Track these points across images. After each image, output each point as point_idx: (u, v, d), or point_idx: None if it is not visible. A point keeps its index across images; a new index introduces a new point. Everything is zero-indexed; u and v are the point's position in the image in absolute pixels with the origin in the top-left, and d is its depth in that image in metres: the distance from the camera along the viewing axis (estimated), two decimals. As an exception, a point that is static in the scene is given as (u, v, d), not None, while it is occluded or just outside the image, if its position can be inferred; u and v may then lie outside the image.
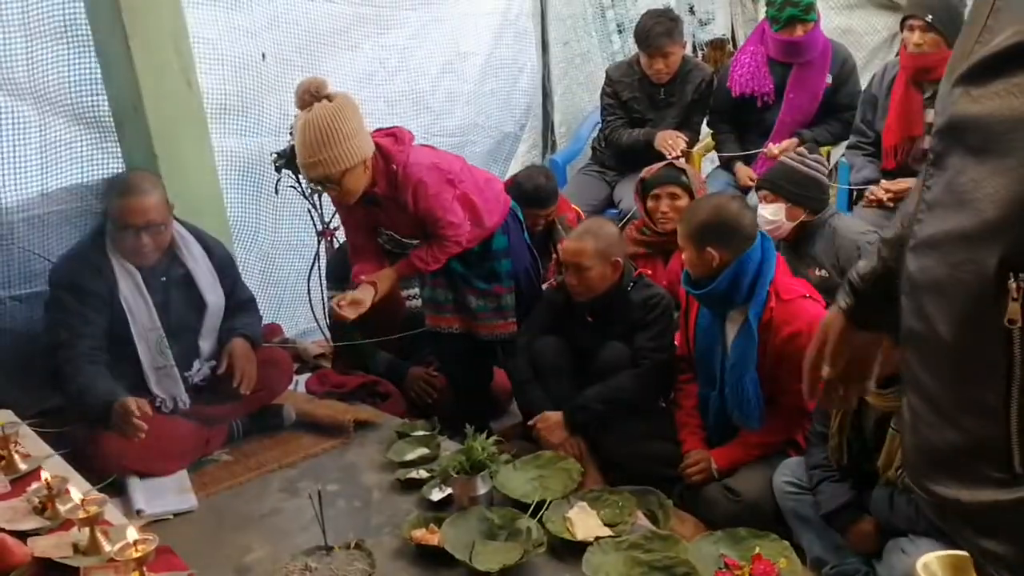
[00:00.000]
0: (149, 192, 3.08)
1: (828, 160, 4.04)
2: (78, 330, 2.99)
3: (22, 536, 1.86)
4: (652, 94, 4.56)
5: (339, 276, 3.73)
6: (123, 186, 3.12)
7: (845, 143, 4.30)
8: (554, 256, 3.88)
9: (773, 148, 4.22)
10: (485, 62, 5.07)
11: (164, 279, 3.18)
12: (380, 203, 3.18)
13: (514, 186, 3.85)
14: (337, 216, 3.68)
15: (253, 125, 4.06)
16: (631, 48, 4.92)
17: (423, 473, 2.95)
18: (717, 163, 4.76)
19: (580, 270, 3.09)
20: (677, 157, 4.33)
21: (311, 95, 2.93)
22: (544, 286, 3.73)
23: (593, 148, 4.96)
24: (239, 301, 3.42)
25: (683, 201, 3.50)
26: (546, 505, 2.62)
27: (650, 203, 3.61)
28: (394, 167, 3.06)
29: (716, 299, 2.81)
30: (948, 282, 0.94)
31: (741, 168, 4.42)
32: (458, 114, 5.01)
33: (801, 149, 3.61)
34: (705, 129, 4.77)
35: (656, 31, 4.34)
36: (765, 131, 4.44)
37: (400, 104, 4.71)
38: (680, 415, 3.03)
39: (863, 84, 4.35)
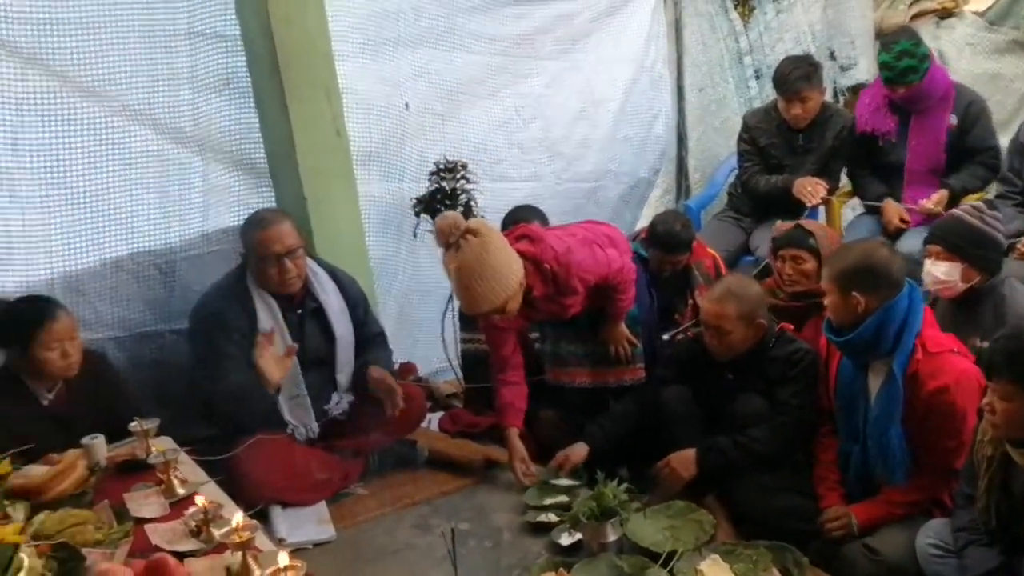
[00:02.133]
0: (282, 221, 3.29)
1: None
2: (226, 368, 3.18)
3: (179, 556, 1.98)
4: (790, 140, 4.49)
5: (471, 319, 3.81)
6: (260, 220, 3.31)
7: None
8: (690, 302, 3.85)
9: (926, 203, 4.03)
10: (619, 108, 5.12)
11: (299, 312, 3.35)
12: (535, 305, 3.19)
13: (650, 227, 3.86)
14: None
15: (395, 171, 4.22)
16: (769, 94, 4.86)
17: (552, 517, 2.96)
18: (859, 211, 4.62)
19: (721, 333, 3.02)
20: (817, 205, 4.24)
21: (453, 233, 2.87)
22: (670, 335, 3.72)
23: (729, 194, 4.91)
24: (370, 335, 3.56)
25: (809, 265, 3.33)
26: (678, 556, 2.59)
27: (778, 263, 3.51)
28: (547, 267, 3.08)
29: (859, 348, 2.72)
30: None
31: (891, 206, 4.20)
32: (591, 160, 5.06)
33: (979, 204, 3.33)
34: (844, 178, 4.64)
35: (795, 75, 4.28)
36: (888, 174, 4.30)
37: (534, 151, 4.80)
38: (819, 469, 2.92)
39: (1013, 130, 4.15)
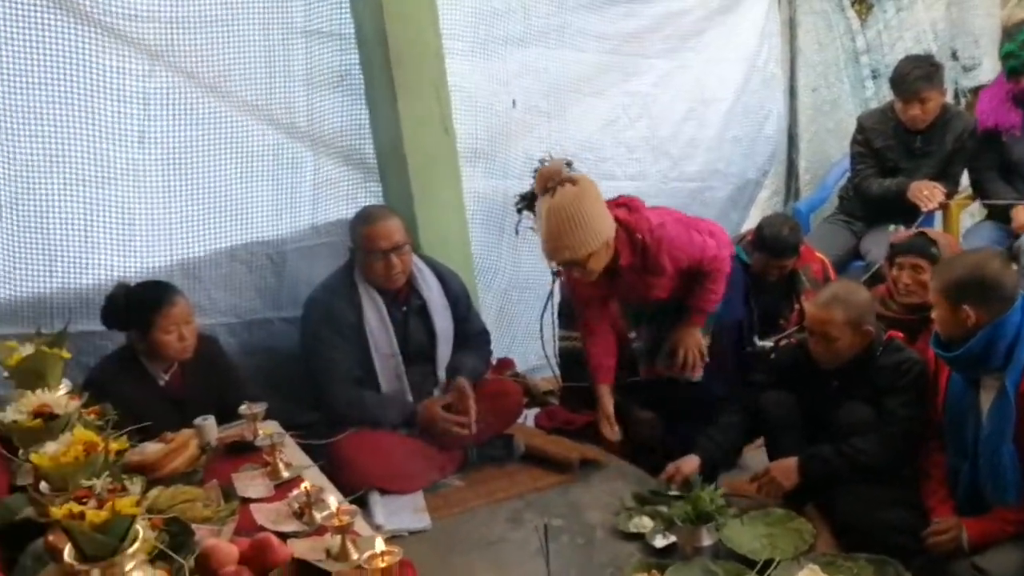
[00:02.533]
0: (389, 217, 3.37)
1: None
2: (335, 360, 3.28)
3: (282, 537, 2.06)
4: (907, 142, 4.33)
5: (570, 316, 3.81)
6: (367, 215, 3.41)
7: None
8: (796, 308, 3.76)
9: None
10: (729, 108, 5.04)
11: (404, 308, 3.42)
12: (620, 275, 3.19)
13: (757, 230, 3.79)
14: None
15: (500, 169, 4.26)
16: (885, 95, 4.70)
17: (647, 523, 2.94)
18: (977, 217, 4.42)
19: (827, 339, 2.92)
20: (933, 210, 4.08)
21: (553, 180, 2.96)
22: (773, 340, 3.65)
23: (841, 197, 4.76)
24: (471, 332, 3.61)
25: (928, 275, 3.14)
26: (774, 564, 2.53)
27: (894, 270, 3.38)
28: (639, 236, 3.07)
29: (969, 362, 2.60)
30: None
31: (1022, 211, 4.01)
32: (699, 160, 5.00)
33: None
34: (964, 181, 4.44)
35: (914, 75, 4.13)
36: (1012, 173, 4.10)
37: (640, 149, 4.77)
38: (927, 484, 2.80)
39: None
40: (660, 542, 2.82)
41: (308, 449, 2.93)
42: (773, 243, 3.69)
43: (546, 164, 3.97)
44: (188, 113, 3.39)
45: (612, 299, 3.48)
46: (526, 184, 4.06)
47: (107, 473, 1.46)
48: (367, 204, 3.84)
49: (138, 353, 3.12)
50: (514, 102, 4.22)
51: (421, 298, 3.47)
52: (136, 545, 1.42)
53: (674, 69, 4.79)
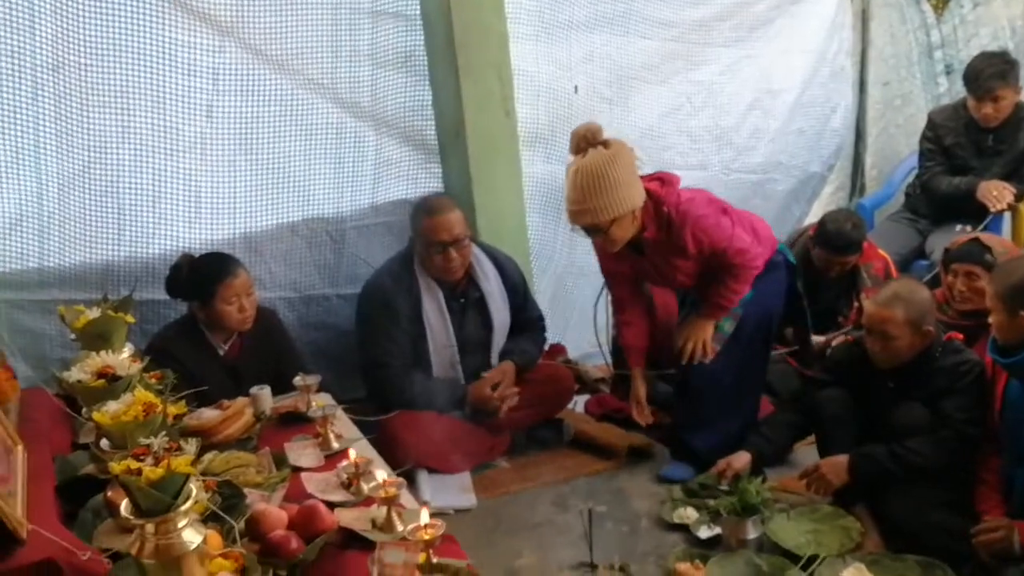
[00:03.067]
0: (452, 209, 3.36)
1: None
2: (390, 348, 3.32)
3: (330, 506, 2.10)
4: (979, 140, 4.22)
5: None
6: (429, 206, 3.41)
7: None
8: (855, 305, 3.70)
9: None
10: (796, 100, 4.95)
11: (463, 300, 3.44)
12: (646, 251, 3.10)
13: (819, 224, 3.73)
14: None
15: (559, 154, 4.23)
16: (959, 91, 4.57)
17: (692, 512, 2.93)
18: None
19: (886, 338, 2.84)
20: (1001, 210, 3.98)
21: (587, 141, 2.88)
22: (827, 338, 3.59)
23: (907, 194, 4.65)
24: (527, 319, 3.62)
25: (983, 282, 3.05)
26: (819, 560, 2.52)
27: (949, 277, 3.29)
28: (665, 209, 2.96)
29: (1027, 369, 2.54)
30: None
31: None
32: (762, 151, 4.93)
33: None
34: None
35: (988, 72, 4.02)
36: None
37: (703, 139, 4.72)
38: (981, 489, 2.73)
39: None
40: (705, 533, 2.82)
41: (359, 423, 2.98)
42: (836, 239, 3.64)
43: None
44: (255, 89, 3.45)
45: (641, 280, 3.37)
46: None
47: (164, 433, 1.50)
48: (427, 185, 3.90)
49: (199, 323, 3.20)
50: (576, 87, 4.20)
51: (479, 290, 3.47)
52: (189, 503, 1.47)
53: (741, 58, 4.72)
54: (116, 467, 1.43)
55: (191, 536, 1.48)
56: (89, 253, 3.35)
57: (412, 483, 3.21)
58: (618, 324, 3.39)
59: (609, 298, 3.85)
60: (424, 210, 3.39)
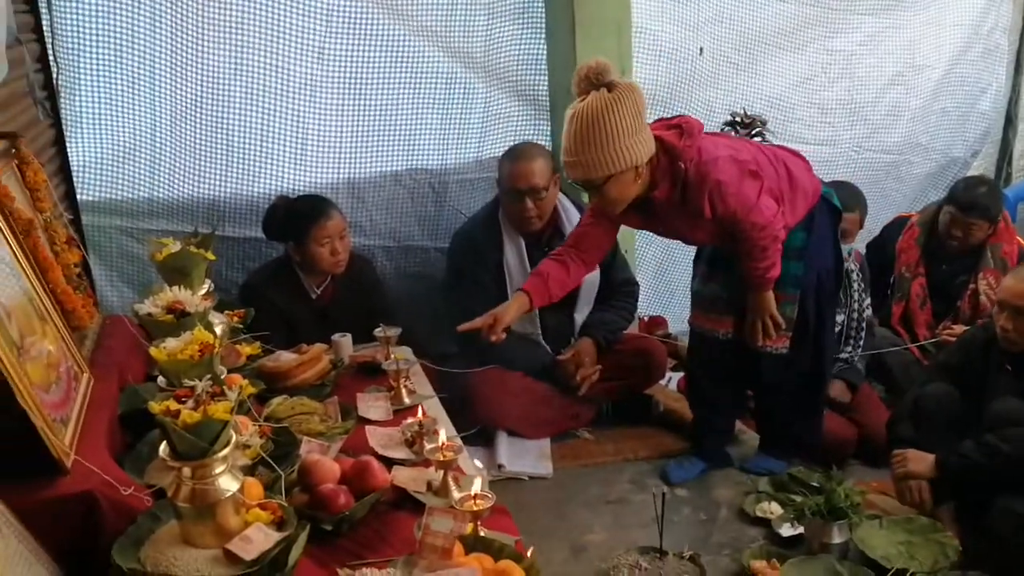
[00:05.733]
0: (535, 158, 3.22)
1: None
2: (477, 295, 3.21)
3: (388, 463, 2.06)
4: None
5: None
6: (514, 152, 3.29)
7: None
8: (971, 287, 3.44)
9: None
10: (942, 77, 4.58)
11: (546, 250, 3.31)
12: (656, 211, 2.67)
13: (953, 185, 3.60)
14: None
15: (677, 118, 4.06)
16: None
17: (776, 508, 2.77)
18: None
19: (1019, 315, 2.57)
20: None
21: (590, 82, 2.42)
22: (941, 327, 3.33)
23: (1057, 187, 4.28)
24: (615, 281, 3.44)
25: None
26: (907, 575, 2.33)
27: None
28: (681, 166, 2.51)
29: None
30: None
31: None
32: (899, 130, 4.60)
33: None
34: None
35: None
36: None
37: (835, 112, 4.44)
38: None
39: None
40: (787, 531, 2.66)
41: (440, 380, 2.94)
42: (963, 194, 3.45)
43: (740, 118, 3.74)
44: (368, 33, 3.41)
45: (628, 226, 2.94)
46: (703, 137, 3.89)
47: (209, 376, 1.47)
48: (536, 142, 3.78)
49: (294, 264, 3.21)
50: (701, 49, 4.00)
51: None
52: (227, 450, 1.44)
53: (885, 29, 4.39)
54: (155, 407, 1.41)
55: (227, 483, 1.45)
56: (197, 187, 3.41)
57: (491, 445, 3.17)
58: (554, 254, 2.81)
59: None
60: (509, 156, 3.29)
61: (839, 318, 3.40)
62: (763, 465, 3.07)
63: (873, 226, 3.97)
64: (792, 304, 2.81)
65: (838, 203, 2.89)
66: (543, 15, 3.66)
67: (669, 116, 2.71)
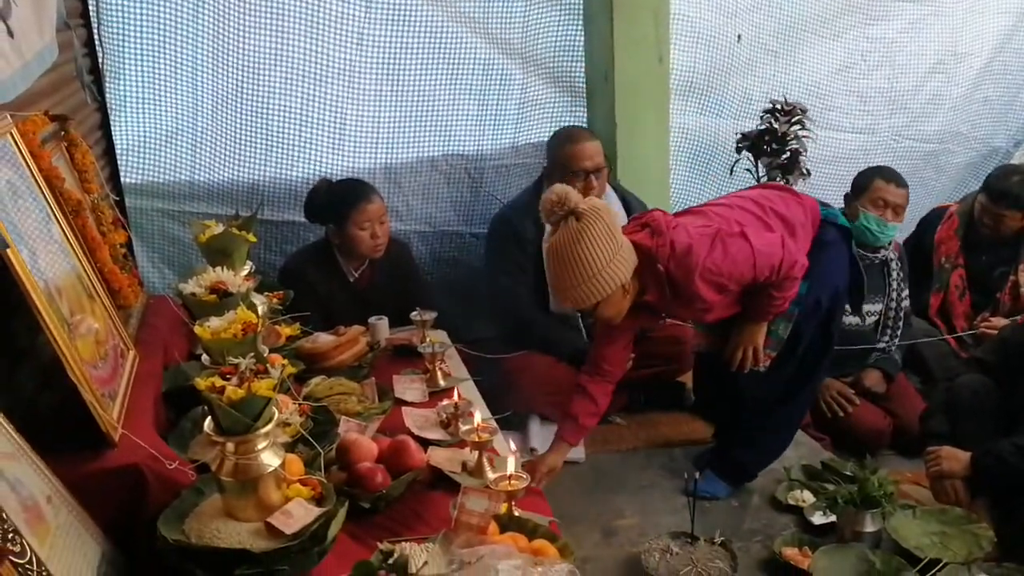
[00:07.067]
0: (592, 138, 3.26)
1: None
2: (517, 278, 3.25)
3: (424, 444, 2.09)
4: None
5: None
6: (570, 134, 3.31)
7: None
8: (1011, 279, 3.41)
9: None
10: (984, 66, 4.52)
11: None
12: (658, 309, 2.64)
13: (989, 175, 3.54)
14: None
15: (714, 106, 4.06)
16: None
17: (808, 496, 2.77)
18: None
19: None
20: None
21: (555, 213, 2.35)
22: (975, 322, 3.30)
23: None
24: None
25: None
26: (940, 565, 2.33)
27: None
28: (660, 267, 2.45)
29: None
30: None
31: None
32: (939, 119, 4.55)
33: None
34: None
35: None
36: None
37: (874, 101, 4.40)
38: None
39: None
40: (819, 519, 2.66)
41: (475, 364, 2.97)
42: (995, 185, 3.41)
43: (780, 105, 3.69)
44: (407, 19, 3.44)
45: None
46: (740, 124, 3.89)
47: (252, 354, 1.51)
48: (569, 127, 3.79)
49: (333, 247, 3.25)
50: (739, 36, 3.98)
51: None
52: (270, 426, 1.48)
53: (926, 15, 4.34)
54: (201, 383, 1.45)
55: (269, 459, 1.49)
56: (237, 171, 3.47)
57: (524, 430, 3.19)
58: (578, 382, 2.76)
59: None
60: (566, 138, 3.29)
61: (877, 307, 3.39)
62: (707, 489, 2.83)
63: (912, 215, 3.93)
64: (787, 322, 2.73)
65: (844, 221, 2.80)
66: (581, 1, 3.66)
67: (635, 217, 2.67)
